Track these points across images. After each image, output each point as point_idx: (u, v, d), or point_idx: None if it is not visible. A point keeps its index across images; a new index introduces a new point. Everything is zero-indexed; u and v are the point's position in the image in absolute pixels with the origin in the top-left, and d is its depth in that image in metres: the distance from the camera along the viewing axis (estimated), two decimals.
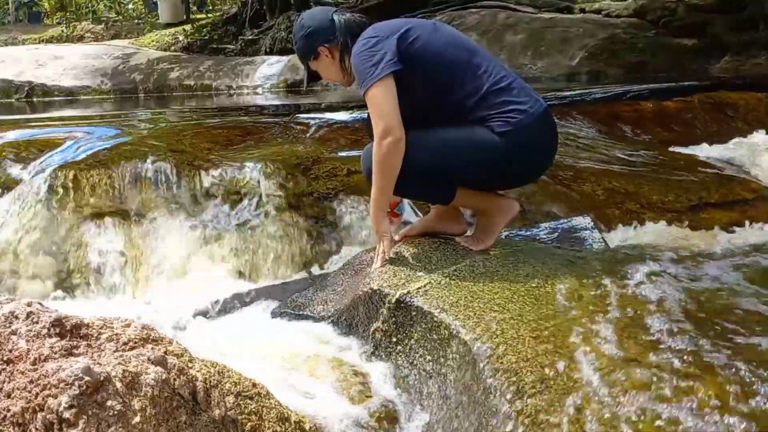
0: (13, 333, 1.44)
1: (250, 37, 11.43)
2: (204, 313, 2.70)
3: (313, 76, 2.50)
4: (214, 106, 7.64)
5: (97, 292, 3.02)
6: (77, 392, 1.31)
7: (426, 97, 2.28)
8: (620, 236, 3.12)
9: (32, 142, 3.68)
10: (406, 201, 2.85)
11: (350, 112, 4.53)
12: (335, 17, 2.38)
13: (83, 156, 3.38)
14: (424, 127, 2.26)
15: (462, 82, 2.24)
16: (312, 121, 4.21)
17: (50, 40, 13.60)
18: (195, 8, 15.06)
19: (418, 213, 3.02)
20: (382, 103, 2.17)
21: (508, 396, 1.59)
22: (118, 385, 1.35)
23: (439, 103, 2.26)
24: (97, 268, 3.05)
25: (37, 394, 1.33)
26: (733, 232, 3.13)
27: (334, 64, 2.39)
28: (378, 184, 2.24)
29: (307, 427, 1.68)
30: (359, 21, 2.39)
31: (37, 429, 1.31)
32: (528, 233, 2.81)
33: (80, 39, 13.83)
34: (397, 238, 2.50)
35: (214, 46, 11.62)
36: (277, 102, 7.88)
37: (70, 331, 1.48)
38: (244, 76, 9.24)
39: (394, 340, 2.09)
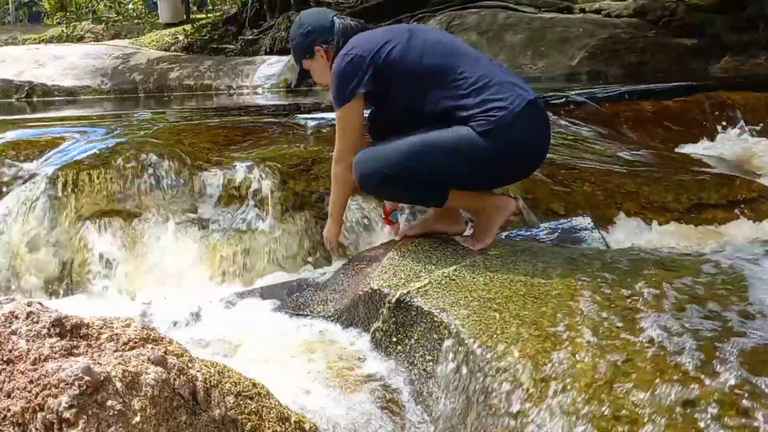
0: (13, 333, 1.44)
1: (250, 37, 11.43)
2: (203, 313, 2.70)
3: (304, 76, 2.57)
4: (214, 106, 7.64)
5: (97, 292, 3.02)
6: (77, 392, 1.31)
7: (404, 106, 2.34)
8: (620, 236, 3.12)
9: (32, 142, 3.67)
10: (404, 206, 2.87)
11: None
12: (336, 20, 2.45)
13: (83, 156, 3.38)
14: (408, 133, 2.28)
15: (437, 87, 2.26)
16: (312, 121, 4.21)
17: (50, 40, 13.59)
18: (195, 8, 15.06)
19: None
20: (345, 127, 2.39)
21: (508, 396, 1.59)
22: (118, 385, 1.35)
23: (417, 110, 2.30)
24: (96, 268, 3.05)
25: (37, 394, 1.33)
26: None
27: (327, 66, 2.43)
28: (332, 192, 2.56)
29: (307, 427, 1.68)
30: (356, 28, 2.45)
31: (37, 429, 1.31)
32: (528, 233, 2.81)
33: (80, 39, 13.82)
34: (397, 238, 2.51)
35: (214, 46, 11.62)
36: (277, 102, 7.88)
37: (70, 331, 1.48)
38: (244, 76, 9.24)
39: (394, 340, 2.09)
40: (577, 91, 5.53)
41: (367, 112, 2.48)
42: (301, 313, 2.51)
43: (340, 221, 2.65)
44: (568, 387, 1.54)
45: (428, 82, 2.27)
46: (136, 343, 1.51)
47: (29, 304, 1.52)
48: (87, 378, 1.32)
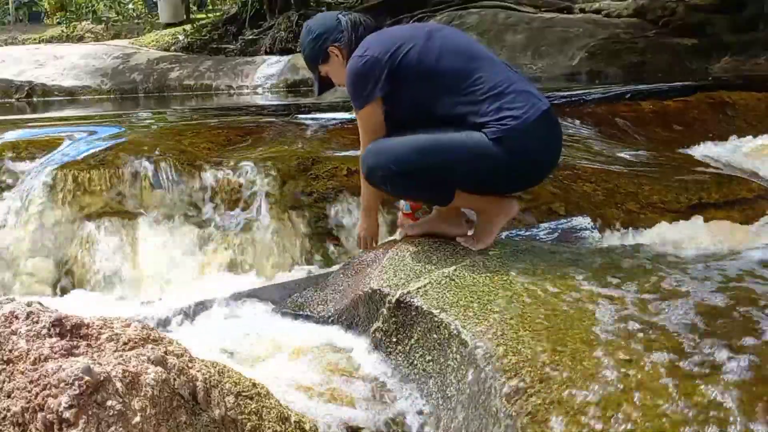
0: (13, 333, 1.44)
1: (250, 37, 11.43)
2: (203, 313, 2.70)
3: (324, 84, 2.53)
4: (214, 106, 7.64)
5: (96, 292, 3.02)
6: (77, 392, 1.31)
7: (417, 107, 2.30)
8: (620, 236, 3.12)
9: (32, 142, 3.68)
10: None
11: (350, 111, 4.53)
12: (341, 17, 2.44)
13: (83, 156, 3.38)
14: (421, 130, 2.27)
15: (452, 91, 2.24)
16: (312, 121, 4.21)
17: (50, 40, 13.60)
18: (195, 8, 15.06)
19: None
20: (366, 127, 2.36)
21: (509, 396, 1.59)
22: (118, 385, 1.35)
23: (430, 112, 2.28)
24: (96, 268, 3.05)
25: (37, 394, 1.33)
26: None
27: (343, 65, 2.40)
28: (362, 190, 2.54)
29: (307, 427, 1.68)
30: (365, 21, 2.44)
31: (37, 429, 1.31)
32: (528, 233, 2.81)
33: (80, 39, 13.84)
34: (398, 237, 2.51)
35: (214, 46, 11.62)
36: (277, 102, 7.88)
37: (70, 331, 1.48)
38: (244, 76, 9.24)
39: (394, 340, 2.09)
40: (577, 91, 5.54)
41: None
42: (301, 313, 2.51)
43: (376, 216, 2.61)
44: (570, 388, 1.54)
45: (443, 86, 2.24)
46: (136, 343, 1.51)
47: (29, 304, 1.52)
48: (87, 378, 1.32)
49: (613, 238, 3.05)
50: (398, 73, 2.25)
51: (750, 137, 4.55)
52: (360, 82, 2.28)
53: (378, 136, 2.33)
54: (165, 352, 1.51)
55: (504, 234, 2.63)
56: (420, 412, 1.91)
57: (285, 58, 9.35)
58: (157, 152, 3.35)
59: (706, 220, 3.22)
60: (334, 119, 4.24)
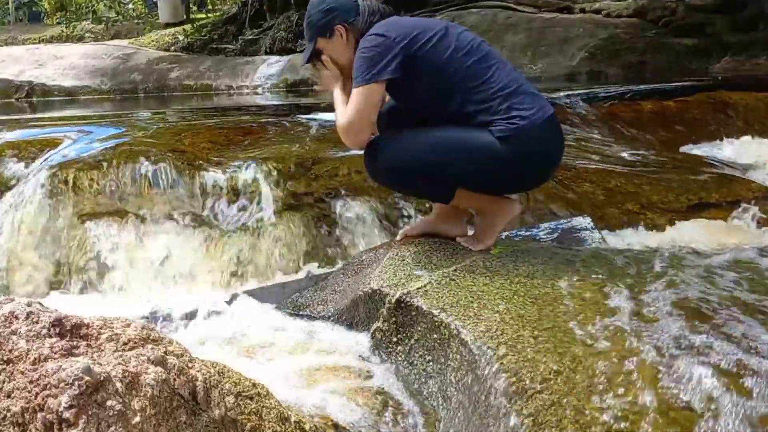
0: (13, 333, 1.44)
1: (250, 37, 11.43)
2: (203, 314, 2.70)
3: (316, 55, 2.41)
4: (214, 106, 7.64)
5: (96, 292, 3.02)
6: (77, 392, 1.31)
7: (428, 101, 2.28)
8: (620, 236, 3.12)
9: (32, 142, 3.67)
10: None
11: None
12: (360, 0, 2.35)
13: (83, 156, 3.37)
14: (426, 127, 2.27)
15: (464, 88, 2.23)
16: (312, 121, 4.21)
17: (50, 40, 13.60)
18: (195, 8, 15.07)
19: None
20: (361, 106, 2.23)
21: (509, 396, 1.59)
22: (118, 385, 1.35)
23: (440, 107, 2.27)
24: (96, 268, 3.05)
25: (37, 394, 1.33)
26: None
27: (346, 48, 2.33)
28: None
29: (307, 427, 1.68)
30: (384, 10, 2.36)
31: (37, 429, 1.31)
32: (528, 233, 2.81)
33: (80, 39, 13.84)
34: (398, 237, 2.51)
35: (214, 46, 11.61)
36: (277, 102, 7.88)
37: (70, 331, 1.48)
38: (244, 76, 9.24)
39: (394, 340, 2.09)
40: (577, 91, 5.54)
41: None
42: (301, 313, 2.51)
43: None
44: (569, 388, 1.54)
45: (455, 83, 2.23)
46: (136, 343, 1.51)
47: (29, 305, 1.52)
48: (87, 378, 1.32)
49: (613, 239, 3.05)
50: (412, 63, 2.22)
51: (749, 137, 4.55)
52: (372, 58, 2.20)
53: (368, 120, 2.26)
54: (165, 352, 1.51)
55: (504, 234, 2.63)
56: (420, 412, 1.91)
57: (285, 58, 9.35)
58: (157, 152, 3.34)
59: (706, 221, 3.22)
60: (334, 119, 4.23)
